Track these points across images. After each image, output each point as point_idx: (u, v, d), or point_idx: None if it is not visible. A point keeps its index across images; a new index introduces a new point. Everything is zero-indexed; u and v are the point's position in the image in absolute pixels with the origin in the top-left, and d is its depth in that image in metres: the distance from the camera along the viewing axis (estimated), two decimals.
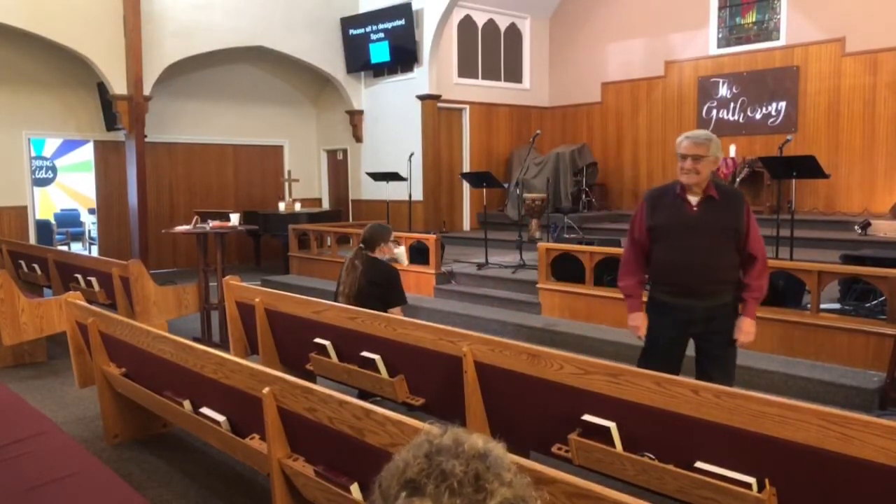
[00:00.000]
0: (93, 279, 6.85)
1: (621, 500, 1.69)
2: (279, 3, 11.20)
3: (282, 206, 11.39)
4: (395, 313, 4.42)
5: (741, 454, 2.40)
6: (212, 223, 6.76)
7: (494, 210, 11.69)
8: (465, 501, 0.75)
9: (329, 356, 4.09)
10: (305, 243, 10.14)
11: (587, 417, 2.74)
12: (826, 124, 9.92)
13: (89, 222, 14.37)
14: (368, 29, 11.53)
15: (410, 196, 10.29)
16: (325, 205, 13.37)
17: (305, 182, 12.77)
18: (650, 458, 2.59)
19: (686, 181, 3.39)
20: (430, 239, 8.10)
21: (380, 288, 4.64)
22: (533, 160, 11.46)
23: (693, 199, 3.42)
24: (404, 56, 11.22)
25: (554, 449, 2.93)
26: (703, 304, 3.40)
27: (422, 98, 11.20)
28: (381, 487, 0.81)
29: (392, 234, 4.89)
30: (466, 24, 12.15)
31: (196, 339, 5.00)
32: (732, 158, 10.22)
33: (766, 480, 2.31)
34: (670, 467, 2.52)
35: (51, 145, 14.64)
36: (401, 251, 5.12)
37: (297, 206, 11.59)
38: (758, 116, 10.54)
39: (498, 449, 0.81)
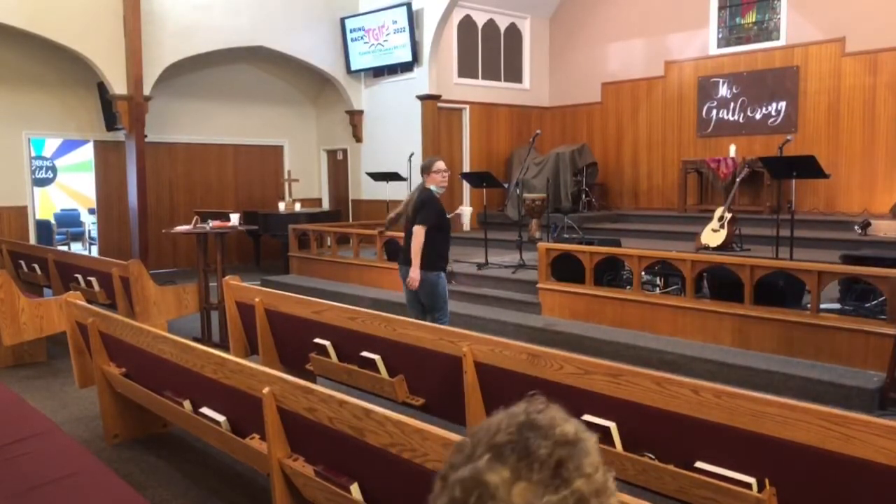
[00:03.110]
0: (93, 279, 6.85)
1: (621, 500, 1.69)
2: (279, 3, 11.20)
3: (282, 206, 11.39)
4: (416, 232, 5.03)
5: (741, 454, 2.40)
6: (212, 223, 6.76)
7: (494, 210, 11.69)
8: (541, 482, 0.76)
9: (329, 356, 4.09)
10: (305, 243, 10.14)
11: (587, 417, 2.74)
12: (826, 124, 9.92)
13: (89, 222, 14.37)
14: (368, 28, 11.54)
15: None
16: (325, 205, 13.37)
17: (305, 182, 12.77)
18: (650, 458, 2.59)
19: None
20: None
21: (416, 211, 5.09)
22: (533, 160, 11.46)
23: None
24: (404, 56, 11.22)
25: None
26: None
27: (422, 98, 11.20)
28: (473, 440, 0.83)
29: (435, 163, 5.21)
30: (466, 24, 12.15)
31: (196, 339, 5.01)
32: (732, 158, 10.22)
33: (766, 480, 2.31)
34: (670, 467, 2.52)
35: (51, 145, 14.64)
36: (465, 212, 5.28)
37: (297, 206, 11.59)
38: (758, 116, 10.53)
39: (589, 441, 0.81)
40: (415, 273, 5.08)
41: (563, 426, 0.82)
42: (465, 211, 5.38)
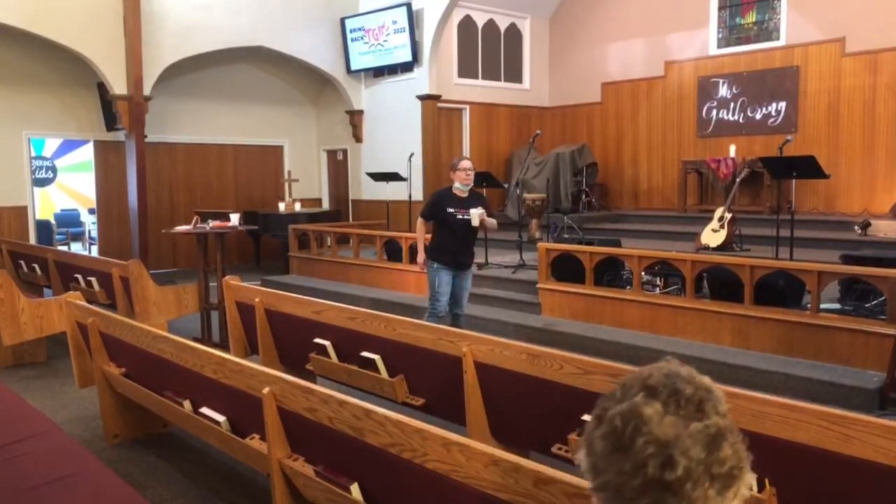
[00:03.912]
0: (93, 279, 6.85)
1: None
2: (279, 3, 11.20)
3: (282, 206, 11.39)
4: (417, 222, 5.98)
5: None
6: (212, 223, 6.76)
7: (494, 210, 11.67)
8: (687, 415, 0.92)
9: (329, 356, 4.09)
10: (305, 243, 10.14)
11: (587, 417, 2.74)
12: (826, 124, 9.92)
13: (89, 222, 14.37)
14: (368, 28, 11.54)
15: (410, 196, 10.29)
16: (325, 205, 13.37)
17: (305, 182, 12.77)
18: None
19: None
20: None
21: None
22: (533, 160, 11.45)
23: None
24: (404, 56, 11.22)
25: (554, 449, 2.93)
26: None
27: (422, 98, 11.20)
28: (623, 386, 0.99)
29: (459, 162, 5.62)
30: (466, 24, 12.15)
31: (196, 339, 5.00)
32: (732, 159, 10.22)
33: (766, 480, 2.31)
34: None
35: (51, 145, 14.64)
36: (473, 214, 5.52)
37: (297, 206, 11.59)
38: (758, 116, 10.53)
39: (720, 392, 0.98)
40: (418, 258, 5.97)
41: (701, 377, 0.99)
42: (473, 213, 5.47)
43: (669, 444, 0.90)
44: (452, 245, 5.61)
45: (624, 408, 0.94)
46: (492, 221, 5.67)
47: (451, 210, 5.56)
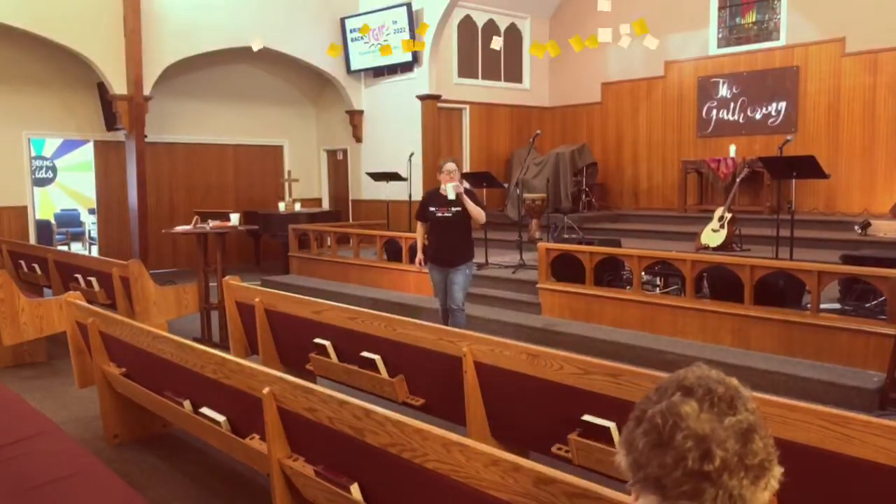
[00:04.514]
0: (93, 279, 6.85)
1: (621, 500, 1.69)
2: (279, 3, 11.20)
3: (282, 206, 11.39)
4: None
5: None
6: (212, 223, 6.77)
7: (494, 210, 11.68)
8: (720, 411, 0.99)
9: (329, 356, 4.09)
10: (305, 243, 10.14)
11: (587, 417, 2.74)
12: (826, 124, 9.92)
13: (89, 222, 14.36)
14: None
15: (410, 196, 10.28)
16: (325, 205, 13.37)
17: (305, 182, 12.77)
18: None
19: None
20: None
21: None
22: (533, 160, 11.45)
23: None
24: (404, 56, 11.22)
25: (554, 449, 2.93)
26: None
27: (422, 98, 11.20)
28: (659, 389, 1.06)
29: (442, 165, 5.76)
30: (466, 24, 12.15)
31: (196, 339, 5.00)
32: (732, 158, 10.22)
33: None
34: None
35: (51, 145, 14.64)
36: (449, 189, 5.67)
37: (297, 206, 11.59)
38: (758, 116, 10.53)
39: (747, 392, 1.05)
40: (416, 258, 6.17)
41: (729, 378, 1.06)
42: (448, 187, 5.61)
43: (707, 438, 0.97)
44: (436, 243, 5.85)
45: (663, 407, 1.01)
46: (476, 209, 5.67)
47: (433, 209, 5.78)
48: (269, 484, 2.90)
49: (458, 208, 5.66)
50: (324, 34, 11.72)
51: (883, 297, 5.09)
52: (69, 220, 14.88)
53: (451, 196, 5.60)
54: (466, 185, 5.66)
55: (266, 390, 2.77)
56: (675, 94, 11.46)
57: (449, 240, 5.78)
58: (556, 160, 11.52)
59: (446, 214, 5.71)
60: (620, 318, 6.42)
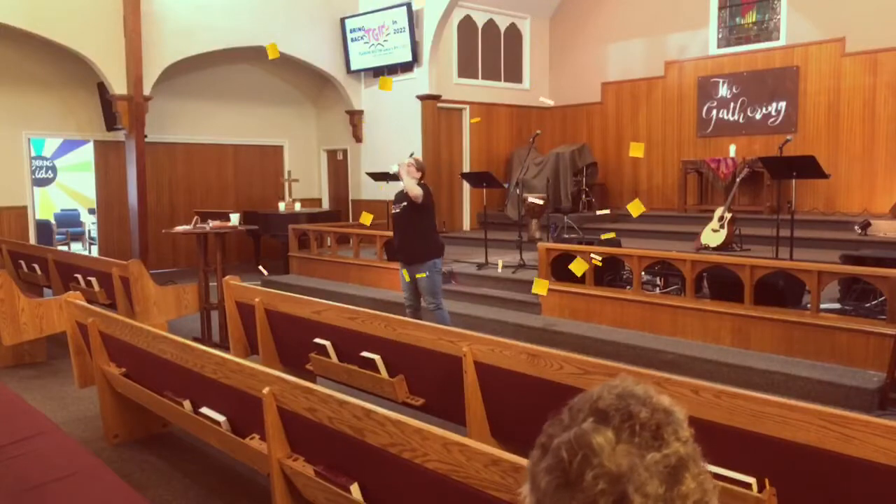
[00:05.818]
0: (93, 279, 6.85)
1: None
2: (279, 3, 11.20)
3: (282, 206, 11.39)
4: None
5: (741, 454, 2.40)
6: (212, 223, 6.77)
7: (494, 210, 11.68)
8: (642, 443, 0.80)
9: (329, 356, 4.09)
10: (305, 243, 10.14)
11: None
12: (826, 124, 9.92)
13: (89, 222, 14.36)
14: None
15: None
16: (325, 205, 13.37)
17: (305, 182, 12.76)
18: None
19: None
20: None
21: None
22: (533, 160, 11.45)
23: None
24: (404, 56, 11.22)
25: None
26: None
27: (422, 98, 11.20)
28: (571, 410, 0.87)
29: (406, 160, 5.84)
30: (466, 24, 12.15)
31: (196, 339, 5.01)
32: (732, 158, 10.22)
33: (766, 480, 2.31)
34: None
35: (51, 145, 14.64)
36: (392, 168, 5.90)
37: (297, 206, 11.59)
38: (758, 116, 10.53)
39: (681, 413, 0.86)
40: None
41: (658, 396, 0.86)
42: (391, 166, 5.80)
43: (622, 479, 0.77)
44: (395, 238, 6.03)
45: (570, 436, 0.81)
46: (409, 181, 5.69)
47: (393, 207, 6.02)
48: (269, 484, 2.90)
49: (405, 203, 5.75)
50: (324, 34, 11.72)
51: (883, 297, 5.09)
52: (69, 220, 14.87)
53: (393, 170, 5.82)
54: (417, 174, 5.74)
55: (266, 390, 2.77)
56: (675, 94, 11.46)
57: (401, 235, 5.93)
58: (556, 160, 11.53)
59: (395, 210, 5.92)
60: (620, 318, 6.42)
